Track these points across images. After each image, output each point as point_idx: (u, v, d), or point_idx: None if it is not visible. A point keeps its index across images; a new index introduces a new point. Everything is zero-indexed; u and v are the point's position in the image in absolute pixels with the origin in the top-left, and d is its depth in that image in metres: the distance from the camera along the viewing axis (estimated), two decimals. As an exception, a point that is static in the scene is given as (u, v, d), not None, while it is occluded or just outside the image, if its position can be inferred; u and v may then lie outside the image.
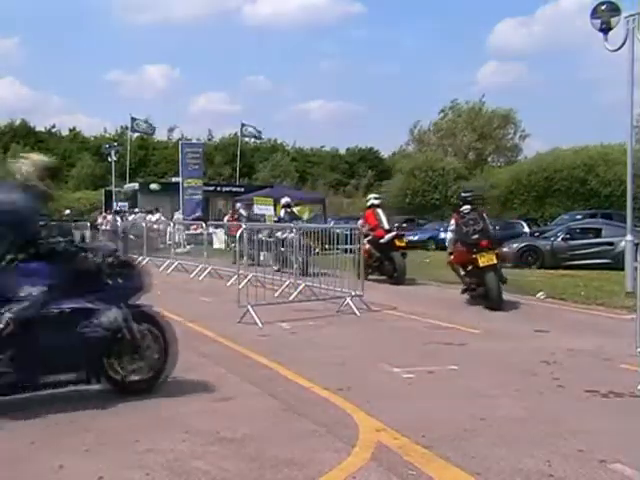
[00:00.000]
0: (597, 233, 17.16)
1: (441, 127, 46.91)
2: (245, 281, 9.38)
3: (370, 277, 11.93)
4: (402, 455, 3.59)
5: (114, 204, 31.91)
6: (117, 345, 4.59)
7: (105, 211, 30.13)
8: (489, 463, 3.47)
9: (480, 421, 4.19)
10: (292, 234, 10.82)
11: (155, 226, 20.57)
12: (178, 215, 27.44)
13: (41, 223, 4.55)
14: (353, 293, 9.19)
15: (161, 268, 15.75)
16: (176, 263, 15.56)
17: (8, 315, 4.11)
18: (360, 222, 12.79)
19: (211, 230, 20.24)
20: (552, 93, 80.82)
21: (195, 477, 3.28)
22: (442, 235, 28.33)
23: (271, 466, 3.42)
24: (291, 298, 9.32)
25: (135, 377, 4.70)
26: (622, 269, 11.37)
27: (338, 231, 11.04)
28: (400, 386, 5.13)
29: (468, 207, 9.86)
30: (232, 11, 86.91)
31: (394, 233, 12.88)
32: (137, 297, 4.82)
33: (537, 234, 21.61)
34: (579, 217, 24.08)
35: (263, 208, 21.01)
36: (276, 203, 24.89)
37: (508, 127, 47.32)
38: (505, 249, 17.50)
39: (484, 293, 9.31)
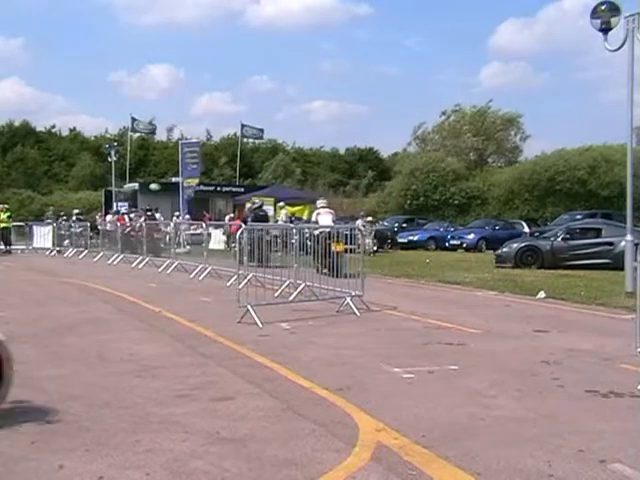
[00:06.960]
0: (597, 233, 17.14)
1: (444, 129, 46.83)
2: (245, 281, 9.39)
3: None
4: (402, 455, 3.58)
5: (114, 204, 31.87)
6: None
7: (105, 211, 30.10)
8: (489, 463, 3.47)
9: (480, 421, 4.19)
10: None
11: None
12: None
13: None
14: (353, 293, 9.19)
15: (161, 268, 15.78)
16: (176, 263, 15.58)
17: None
18: (359, 222, 13.05)
19: (211, 230, 20.24)
20: (554, 93, 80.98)
21: (195, 477, 3.28)
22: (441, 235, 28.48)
23: (271, 466, 3.42)
24: (291, 298, 9.32)
25: None
26: (622, 269, 11.37)
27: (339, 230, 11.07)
28: (400, 386, 5.13)
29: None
30: (236, 12, 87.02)
31: None
32: None
33: (537, 234, 21.62)
34: (579, 217, 24.09)
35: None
36: (276, 203, 24.95)
37: (510, 129, 47.30)
38: (505, 249, 17.58)
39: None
